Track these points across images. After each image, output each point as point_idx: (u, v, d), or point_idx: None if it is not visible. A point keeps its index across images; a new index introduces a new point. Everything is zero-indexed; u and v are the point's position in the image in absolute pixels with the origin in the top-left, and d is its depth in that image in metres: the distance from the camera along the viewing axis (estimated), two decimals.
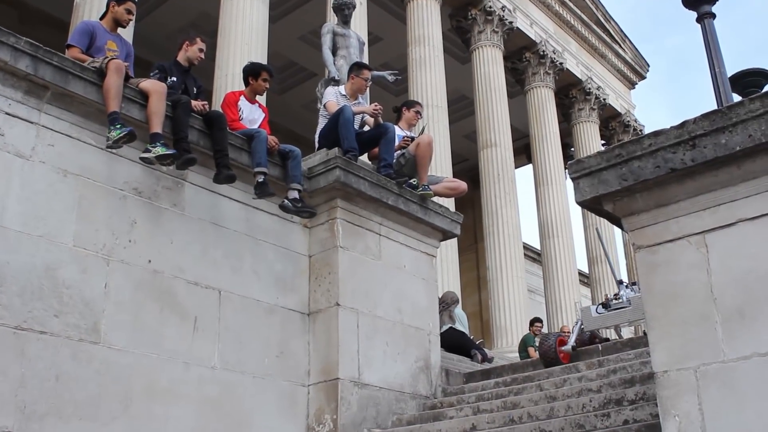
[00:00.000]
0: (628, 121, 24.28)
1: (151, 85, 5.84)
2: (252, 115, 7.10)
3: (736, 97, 7.87)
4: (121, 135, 5.34)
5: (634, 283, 7.75)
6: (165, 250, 5.74)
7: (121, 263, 5.44)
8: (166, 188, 5.91)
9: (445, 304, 10.27)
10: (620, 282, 7.79)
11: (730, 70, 8.25)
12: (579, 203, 4.27)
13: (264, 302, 6.31)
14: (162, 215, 5.82)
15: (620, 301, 7.24)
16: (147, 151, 5.57)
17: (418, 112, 8.47)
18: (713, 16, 8.34)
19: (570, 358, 7.08)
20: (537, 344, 9.78)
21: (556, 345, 7.07)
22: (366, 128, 7.93)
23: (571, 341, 7.21)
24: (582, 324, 7.42)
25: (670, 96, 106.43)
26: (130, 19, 6.47)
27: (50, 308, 4.98)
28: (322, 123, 7.81)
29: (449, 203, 12.65)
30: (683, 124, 3.85)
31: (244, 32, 13.24)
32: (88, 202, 5.39)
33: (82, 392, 4.99)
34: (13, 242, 4.92)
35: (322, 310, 6.57)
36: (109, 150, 5.49)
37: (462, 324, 10.60)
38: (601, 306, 7.34)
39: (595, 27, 23.33)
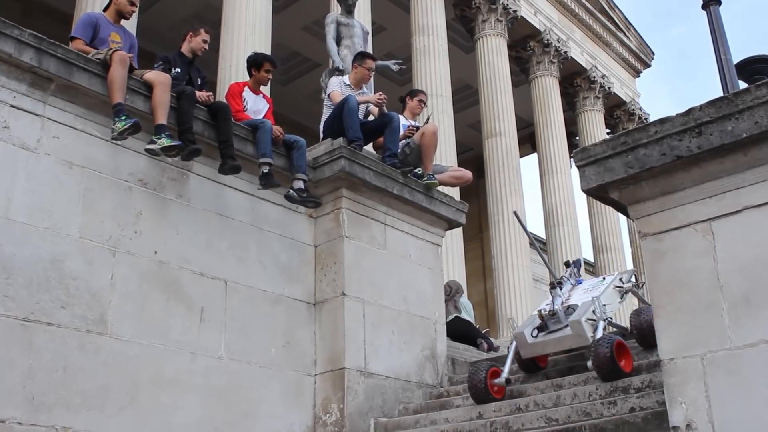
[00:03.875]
0: (633, 110, 24.18)
1: (155, 76, 5.84)
2: (256, 105, 7.09)
3: (742, 85, 7.83)
4: (126, 126, 5.34)
5: (577, 269, 6.56)
6: (171, 241, 5.75)
7: (127, 254, 5.45)
8: (172, 179, 5.91)
9: (450, 293, 10.26)
10: (554, 287, 6.18)
11: (735, 58, 8.20)
12: (585, 191, 4.26)
13: (270, 292, 6.31)
14: (167, 206, 5.82)
15: (556, 317, 5.83)
16: (152, 142, 5.57)
17: (421, 101, 8.45)
18: (719, 2, 8.30)
19: (505, 392, 5.81)
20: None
21: (487, 377, 5.73)
22: (371, 118, 7.92)
23: (506, 372, 5.85)
24: (517, 349, 6.07)
25: (674, 86, 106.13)
26: (133, 11, 6.46)
27: (57, 300, 4.99)
28: (326, 113, 7.80)
29: (454, 192, 12.63)
30: (689, 111, 3.84)
31: (248, 23, 13.20)
32: (93, 193, 5.39)
33: (90, 383, 5.00)
34: (19, 234, 4.93)
35: (327, 300, 6.58)
36: (114, 141, 5.50)
37: (468, 313, 10.59)
38: (536, 329, 5.92)
39: (599, 15, 23.22)
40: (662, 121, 3.93)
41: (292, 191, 6.45)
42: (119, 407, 5.11)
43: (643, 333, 5.65)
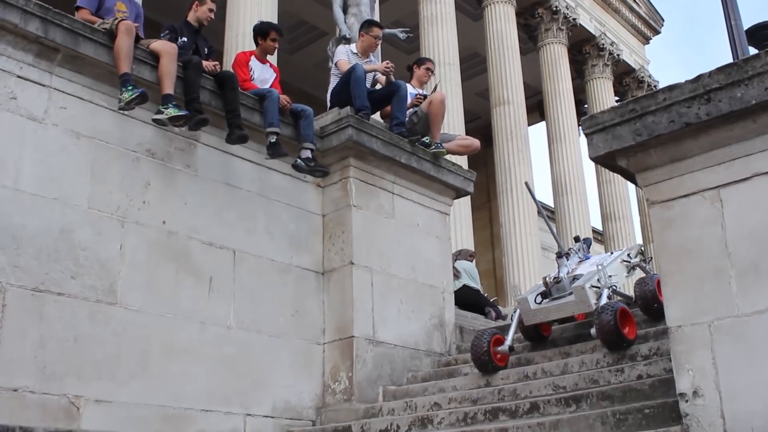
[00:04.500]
0: (642, 77, 24.01)
1: (161, 45, 5.82)
2: (263, 75, 7.06)
3: (753, 51, 7.76)
4: (133, 96, 5.34)
5: (587, 245, 6.53)
6: (179, 211, 5.77)
7: (135, 225, 5.47)
8: (179, 149, 5.91)
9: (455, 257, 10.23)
10: (561, 256, 6.22)
11: (746, 24, 8.11)
12: (593, 159, 4.25)
13: (278, 262, 6.34)
14: (175, 176, 5.83)
15: (561, 284, 5.84)
16: (159, 112, 5.57)
17: (428, 69, 8.41)
18: None
19: (508, 360, 5.83)
20: None
21: (491, 345, 5.71)
22: (378, 86, 7.88)
23: (509, 340, 5.82)
24: (521, 317, 6.04)
25: (684, 53, 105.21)
26: None
27: (67, 270, 5.02)
28: (333, 82, 7.77)
29: (462, 161, 12.60)
30: (698, 77, 3.81)
31: None
32: (101, 164, 5.40)
33: (101, 352, 5.05)
34: (28, 205, 4.95)
35: (336, 269, 6.60)
36: (122, 112, 5.50)
37: (473, 280, 10.61)
38: (539, 296, 5.92)
39: None
40: (671, 88, 3.90)
41: (299, 160, 6.45)
42: (130, 376, 5.16)
43: (648, 302, 5.67)
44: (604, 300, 5.56)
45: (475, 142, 8.40)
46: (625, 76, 23.81)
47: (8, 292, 4.72)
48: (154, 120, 5.59)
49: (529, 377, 5.43)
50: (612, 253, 6.41)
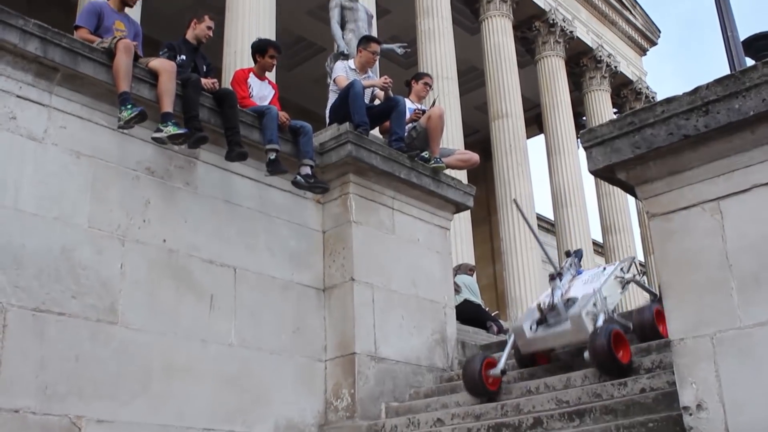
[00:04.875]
0: (640, 89, 24.07)
1: (160, 64, 5.84)
2: (262, 91, 7.09)
3: (749, 62, 7.78)
4: (132, 115, 5.35)
5: (579, 259, 6.30)
6: (179, 229, 5.77)
7: (136, 243, 5.47)
8: (179, 167, 5.92)
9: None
10: (554, 277, 5.97)
11: (742, 35, 8.15)
12: (592, 172, 4.26)
13: (279, 279, 6.33)
14: (175, 194, 5.84)
15: (556, 310, 5.64)
16: (158, 130, 5.58)
17: (426, 84, 8.43)
18: None
19: (500, 384, 5.63)
20: None
21: (482, 369, 5.57)
22: (376, 102, 7.90)
23: (501, 363, 5.62)
24: (516, 342, 5.88)
25: (681, 64, 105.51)
26: None
27: (67, 290, 5.02)
28: (332, 98, 7.79)
29: (462, 175, 12.61)
30: (696, 89, 3.83)
31: (252, 8, 13.17)
32: (101, 183, 5.41)
33: (102, 372, 5.04)
34: (28, 225, 4.95)
35: (337, 285, 6.60)
36: (121, 130, 5.51)
37: (474, 294, 10.60)
38: (535, 323, 5.73)
39: None
40: (669, 101, 3.92)
41: (299, 177, 6.46)
42: (132, 395, 5.15)
43: (645, 330, 5.57)
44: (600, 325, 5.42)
45: (474, 156, 8.42)
46: (622, 88, 23.88)
47: (9, 312, 4.71)
48: (153, 138, 5.60)
49: (531, 392, 5.42)
50: (604, 268, 6.20)
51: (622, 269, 6.11)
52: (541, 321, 5.70)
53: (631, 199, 20.96)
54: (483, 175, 20.08)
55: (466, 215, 14.22)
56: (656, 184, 4.02)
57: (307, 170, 6.50)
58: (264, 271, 6.24)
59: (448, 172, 7.82)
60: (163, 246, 5.63)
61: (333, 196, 6.87)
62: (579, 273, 6.21)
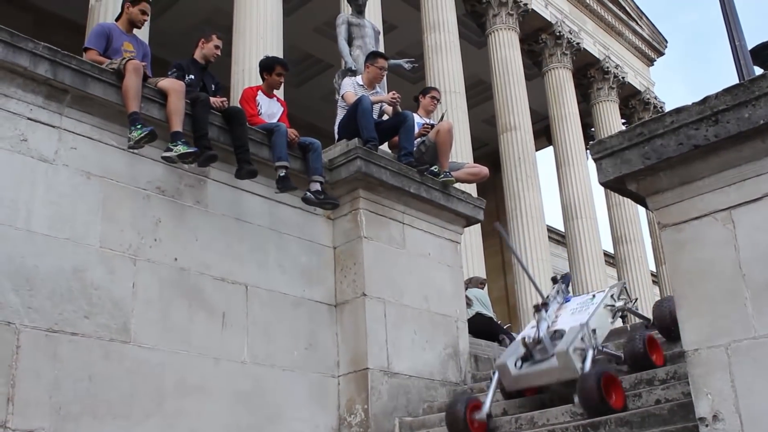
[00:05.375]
0: (648, 99, 24.06)
1: (169, 83, 5.87)
2: (270, 109, 7.11)
3: (758, 71, 7.76)
4: (142, 135, 5.38)
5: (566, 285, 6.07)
6: (190, 248, 5.78)
7: (147, 262, 5.49)
8: (189, 186, 5.94)
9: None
10: (539, 309, 5.67)
11: (750, 44, 8.13)
12: (602, 184, 4.25)
13: (291, 295, 6.33)
14: (186, 213, 5.86)
15: (542, 345, 5.33)
16: (168, 150, 5.60)
17: (433, 97, 8.45)
18: None
19: (486, 428, 5.28)
20: None
21: (467, 412, 5.22)
22: (385, 117, 7.92)
23: (487, 406, 5.31)
24: (500, 381, 5.59)
25: (689, 74, 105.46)
26: (145, 20, 6.49)
27: (80, 310, 5.03)
28: (340, 114, 7.81)
29: (471, 189, 12.61)
30: (705, 99, 3.82)
31: (259, 26, 13.24)
32: (112, 203, 5.43)
33: (115, 391, 5.04)
34: (40, 246, 4.97)
35: (348, 301, 6.59)
36: (131, 150, 5.53)
37: (486, 307, 10.57)
38: (520, 359, 5.42)
39: (610, 5, 23.11)
40: (678, 111, 3.91)
41: (309, 193, 6.47)
42: (145, 414, 5.14)
43: (636, 361, 5.28)
44: (588, 362, 5.11)
45: (484, 170, 8.42)
46: (631, 99, 23.87)
47: (22, 333, 4.72)
48: (163, 158, 5.63)
49: (545, 404, 5.38)
50: (594, 296, 5.86)
51: (612, 296, 5.84)
52: (527, 357, 5.41)
53: (641, 209, 20.91)
54: (492, 188, 20.06)
55: (476, 228, 14.21)
56: (667, 195, 4.00)
57: (316, 186, 6.50)
58: (275, 288, 6.24)
59: (457, 185, 7.81)
60: (174, 264, 5.64)
61: (343, 211, 6.88)
62: (567, 300, 5.96)
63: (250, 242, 6.19)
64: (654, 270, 23.20)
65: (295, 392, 6.08)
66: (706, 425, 3.56)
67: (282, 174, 6.28)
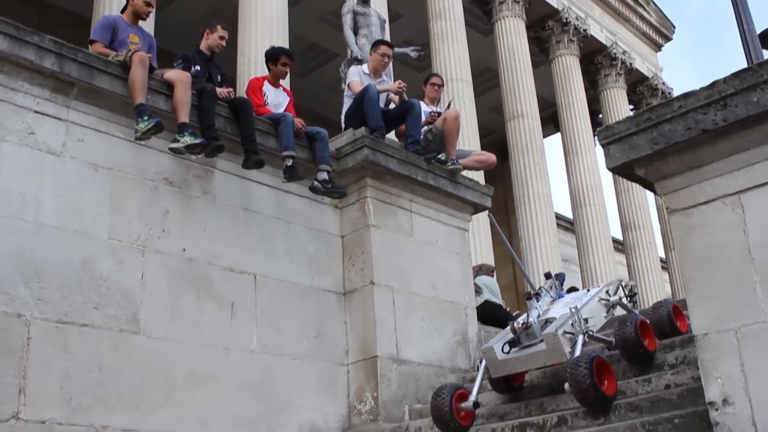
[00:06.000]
0: (656, 85, 23.93)
1: (175, 75, 5.87)
2: (277, 99, 7.11)
3: (767, 55, 7.72)
4: (149, 126, 5.38)
5: (561, 282, 6.01)
6: (198, 238, 5.79)
7: (156, 253, 5.50)
8: (196, 176, 5.95)
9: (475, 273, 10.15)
10: (530, 297, 5.61)
11: (759, 28, 8.07)
12: (610, 169, 4.23)
13: (299, 284, 6.34)
14: (193, 204, 5.86)
15: (531, 330, 5.18)
16: (175, 141, 5.60)
17: (434, 84, 8.40)
18: None
19: (473, 418, 5.17)
20: None
21: (453, 401, 5.09)
22: (391, 106, 7.91)
23: (473, 395, 5.16)
24: (487, 368, 5.40)
25: (697, 59, 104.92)
26: (150, 11, 6.49)
27: (89, 301, 5.05)
28: (347, 103, 7.80)
29: (479, 176, 12.58)
30: (713, 84, 3.79)
31: (264, 17, 13.21)
32: (120, 194, 5.44)
33: (125, 382, 5.06)
34: (49, 238, 4.99)
35: (357, 290, 6.60)
36: (138, 142, 5.54)
37: (495, 295, 10.55)
38: (507, 344, 5.27)
39: None
40: (686, 96, 3.89)
41: (316, 183, 6.47)
42: (155, 405, 5.17)
43: (628, 346, 5.05)
44: (578, 348, 4.95)
45: (491, 157, 8.39)
46: (638, 85, 23.75)
47: (32, 324, 4.74)
48: (170, 149, 5.63)
49: (555, 390, 5.38)
50: (588, 290, 5.82)
51: (607, 292, 5.71)
52: (514, 342, 5.27)
53: (650, 195, 20.85)
54: (500, 175, 20.03)
55: (484, 216, 14.17)
56: (675, 180, 3.98)
57: (324, 176, 6.50)
58: (284, 277, 6.25)
59: (465, 173, 7.80)
60: (182, 255, 5.65)
61: (351, 200, 6.87)
62: (560, 296, 5.86)
63: (257, 232, 6.20)
64: (663, 256, 23.14)
65: (304, 381, 6.09)
66: (716, 409, 3.55)
67: (289, 164, 6.28)
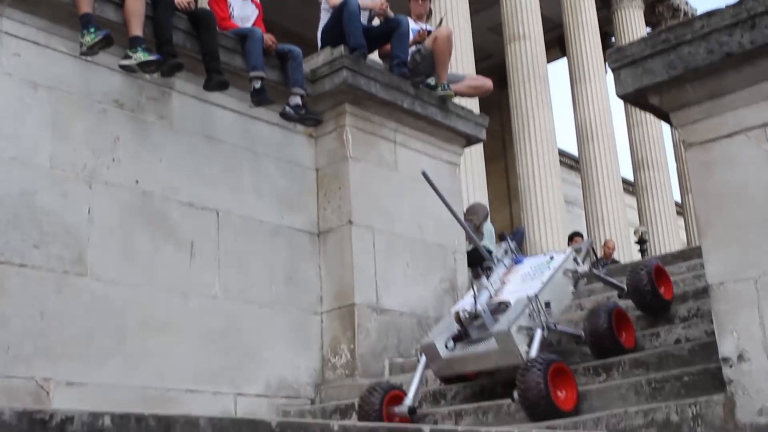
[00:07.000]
0: (678, 4, 23.83)
1: None
2: (244, 11, 6.99)
3: None
4: (96, 40, 5.28)
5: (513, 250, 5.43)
6: (154, 169, 5.74)
7: (105, 185, 5.45)
8: (151, 99, 5.87)
9: (476, 219, 10.17)
10: (479, 275, 5.03)
11: None
12: (621, 97, 4.21)
13: (268, 222, 6.33)
14: (148, 130, 5.80)
15: (480, 321, 4.78)
16: (127, 57, 5.51)
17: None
18: None
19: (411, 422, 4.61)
20: None
21: (383, 405, 4.69)
22: (375, 23, 7.80)
23: (410, 397, 4.73)
24: (428, 366, 5.01)
25: None
26: None
27: (29, 238, 5.01)
28: (324, 18, 7.68)
29: (473, 104, 12.54)
30: (741, 1, 3.75)
31: None
32: (63, 117, 5.37)
33: (71, 330, 5.06)
34: None
35: (333, 229, 6.60)
36: (84, 57, 5.44)
37: (490, 240, 10.60)
38: (452, 340, 4.86)
39: None
40: (710, 15, 3.85)
41: (288, 108, 6.42)
42: (105, 355, 5.18)
43: (599, 339, 4.79)
44: (536, 346, 4.54)
45: (487, 83, 8.33)
46: (658, 4, 23.63)
47: None
48: (121, 66, 5.54)
49: (552, 344, 5.43)
50: (552, 257, 5.28)
51: (575, 260, 5.28)
52: (460, 336, 4.89)
53: (666, 130, 20.89)
54: (498, 104, 20.00)
55: (478, 149, 14.20)
56: (694, 110, 3.97)
57: (297, 100, 6.44)
58: (251, 215, 6.23)
59: (457, 100, 7.75)
60: (135, 188, 5.61)
61: (327, 129, 6.83)
62: (518, 261, 5.40)
63: (221, 163, 6.16)
64: (679, 200, 23.28)
65: (273, 330, 6.12)
66: (731, 366, 3.59)
67: (257, 86, 6.21)
